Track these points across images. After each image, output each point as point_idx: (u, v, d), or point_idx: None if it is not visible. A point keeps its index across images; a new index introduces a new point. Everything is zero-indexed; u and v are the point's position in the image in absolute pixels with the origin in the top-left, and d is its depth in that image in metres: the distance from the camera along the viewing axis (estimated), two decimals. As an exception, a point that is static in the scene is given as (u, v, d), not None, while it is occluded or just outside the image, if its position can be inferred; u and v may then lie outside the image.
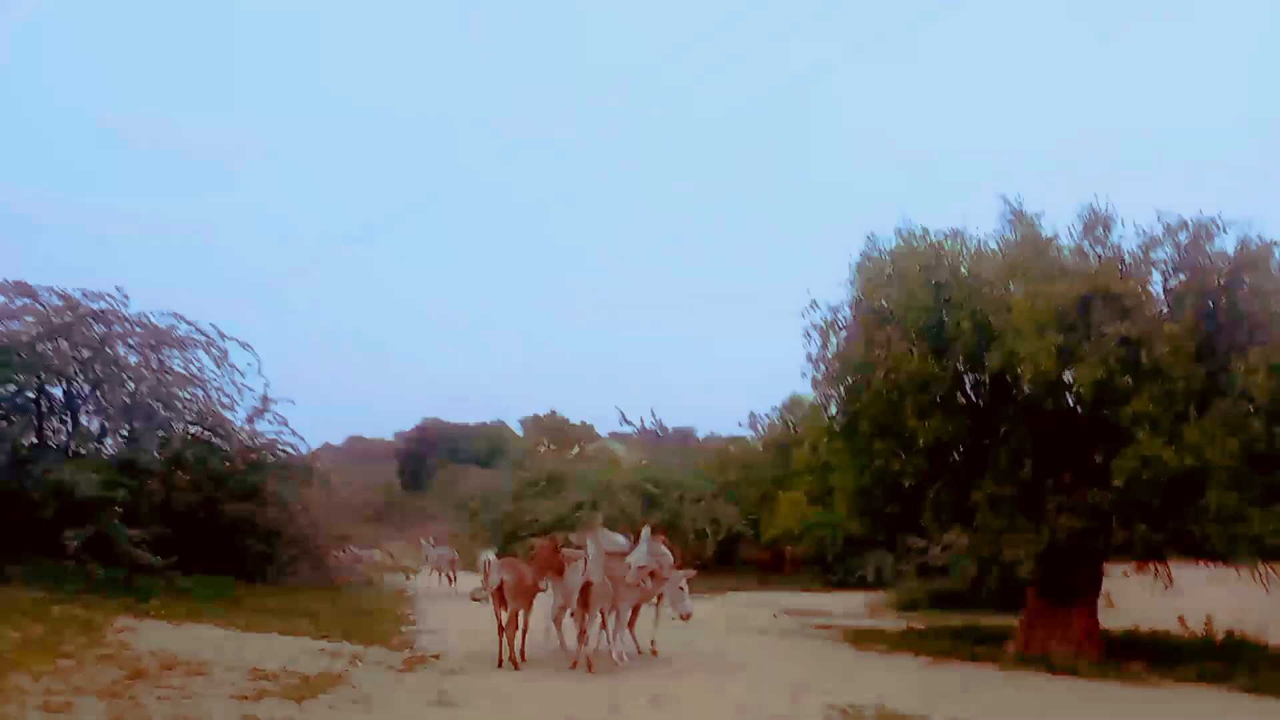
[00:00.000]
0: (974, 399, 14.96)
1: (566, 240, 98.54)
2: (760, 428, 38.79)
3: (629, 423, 44.19)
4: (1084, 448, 13.90)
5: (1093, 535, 13.41)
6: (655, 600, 13.65)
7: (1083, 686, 11.85)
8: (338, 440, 70.31)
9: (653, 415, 47.73)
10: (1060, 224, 14.33)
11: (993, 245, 14.86)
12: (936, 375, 13.95)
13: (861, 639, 15.94)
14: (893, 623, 19.88)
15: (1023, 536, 14.35)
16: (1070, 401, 13.57)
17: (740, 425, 39.94)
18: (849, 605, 23.95)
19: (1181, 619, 16.42)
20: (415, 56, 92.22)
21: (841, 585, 28.95)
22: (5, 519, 14.69)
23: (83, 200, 78.44)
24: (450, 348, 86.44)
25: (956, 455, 14.85)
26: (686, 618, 13.71)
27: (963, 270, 14.64)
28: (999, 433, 14.25)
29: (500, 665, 12.03)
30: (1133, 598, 17.43)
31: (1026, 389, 13.80)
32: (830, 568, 30.17)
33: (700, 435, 46.80)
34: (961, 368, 14.47)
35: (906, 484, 14.60)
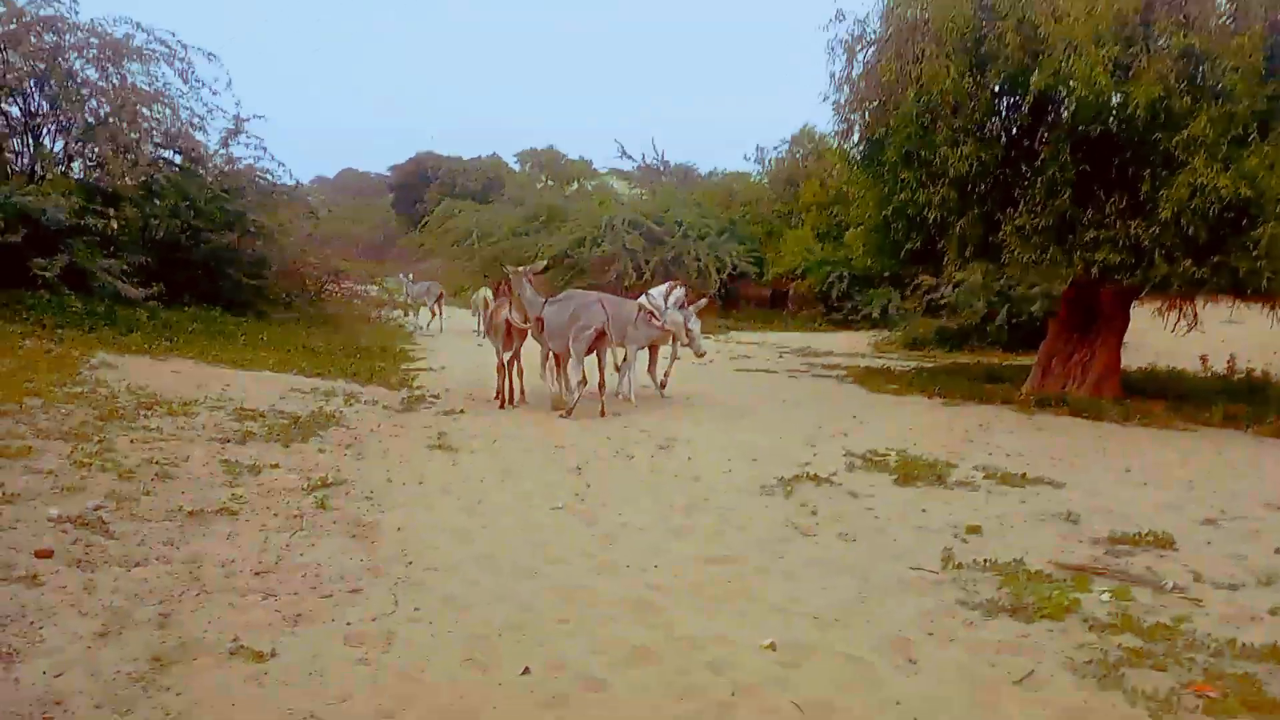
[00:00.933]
0: (1013, 123, 13.73)
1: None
2: (767, 162, 37.36)
3: (629, 157, 42.54)
4: (1130, 178, 12.75)
5: (1130, 269, 12.61)
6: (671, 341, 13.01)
7: (1107, 430, 11.38)
8: (331, 173, 68.88)
9: (654, 149, 46.01)
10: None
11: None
12: (972, 95, 12.68)
13: (871, 379, 15.51)
14: (900, 362, 19.57)
15: (1055, 270, 13.64)
16: (1120, 125, 12.30)
17: (747, 159, 38.40)
18: (854, 344, 23.63)
19: (1204, 359, 15.97)
20: None
21: (846, 324, 28.65)
22: (-30, 248, 13.72)
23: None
24: (447, 79, 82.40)
25: (988, 185, 13.77)
26: (701, 355, 13.49)
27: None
28: (1037, 160, 13.06)
29: (501, 405, 11.61)
30: (1151, 336, 16.88)
31: (1073, 110, 12.56)
32: (835, 306, 29.74)
33: (703, 171, 45.16)
34: (1002, 88, 13.14)
35: (932, 217, 13.56)
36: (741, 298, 33.14)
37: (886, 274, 24.40)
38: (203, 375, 11.32)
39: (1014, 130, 13.68)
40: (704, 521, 6.60)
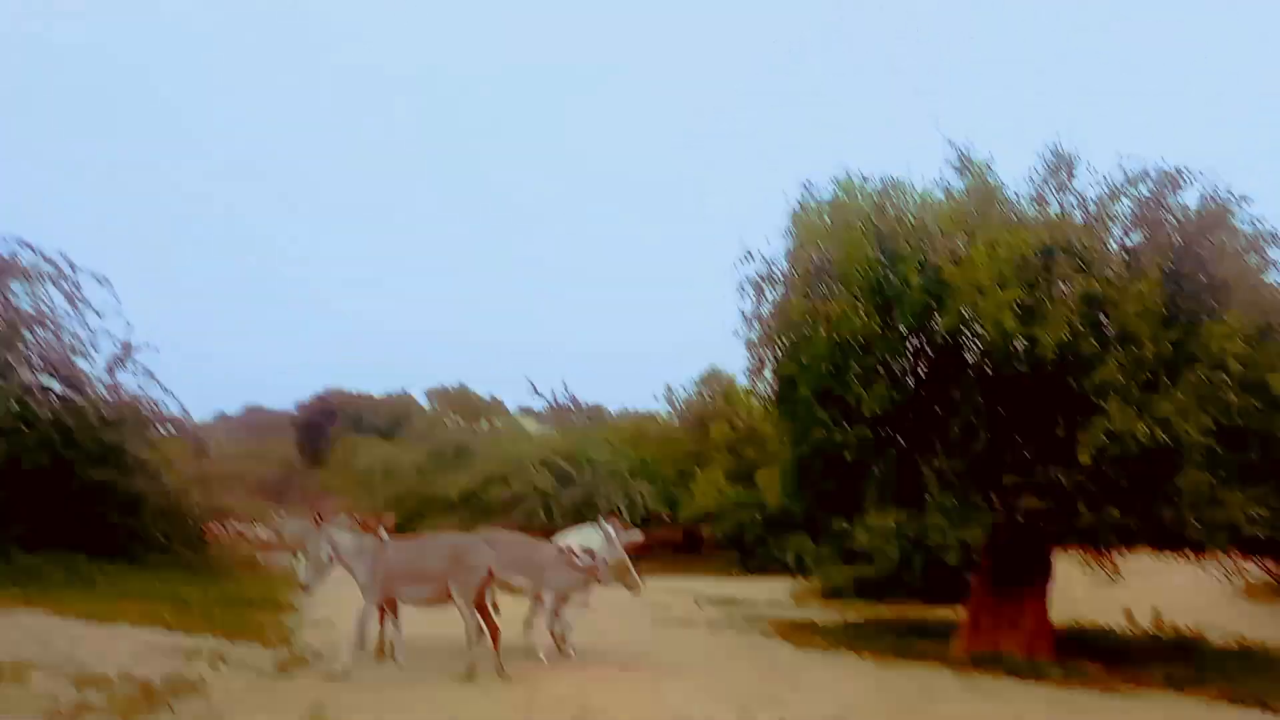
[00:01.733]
0: (922, 364, 13.75)
1: (473, 200, 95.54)
2: (676, 402, 37.55)
3: (539, 395, 42.43)
4: (1045, 420, 12.68)
5: (1053, 517, 12.27)
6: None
7: (1051, 694, 10.65)
8: (235, 409, 67.08)
9: (564, 388, 46.03)
10: (1012, 173, 13.20)
11: (939, 195, 13.64)
12: (881, 336, 12.66)
13: (796, 634, 14.61)
14: (821, 613, 18.69)
15: (978, 516, 13.28)
16: (1030, 368, 12.32)
17: (656, 398, 38.57)
18: (772, 592, 22.72)
19: (1128, 613, 15.57)
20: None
21: (761, 570, 27.78)
22: None
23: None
24: (355, 316, 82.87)
25: (904, 426, 13.57)
26: (637, 591, 12.67)
27: (908, 221, 13.37)
28: (950, 402, 12.96)
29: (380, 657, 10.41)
30: (1070, 585, 16.48)
31: (981, 353, 12.63)
32: (750, 551, 28.95)
33: (613, 410, 45.19)
34: (908, 328, 13.19)
35: (850, 457, 13.21)
36: (654, 541, 32.12)
37: (800, 518, 24.01)
38: (49, 631, 9.91)
39: (924, 371, 13.70)
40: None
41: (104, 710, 7.12)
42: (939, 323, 12.32)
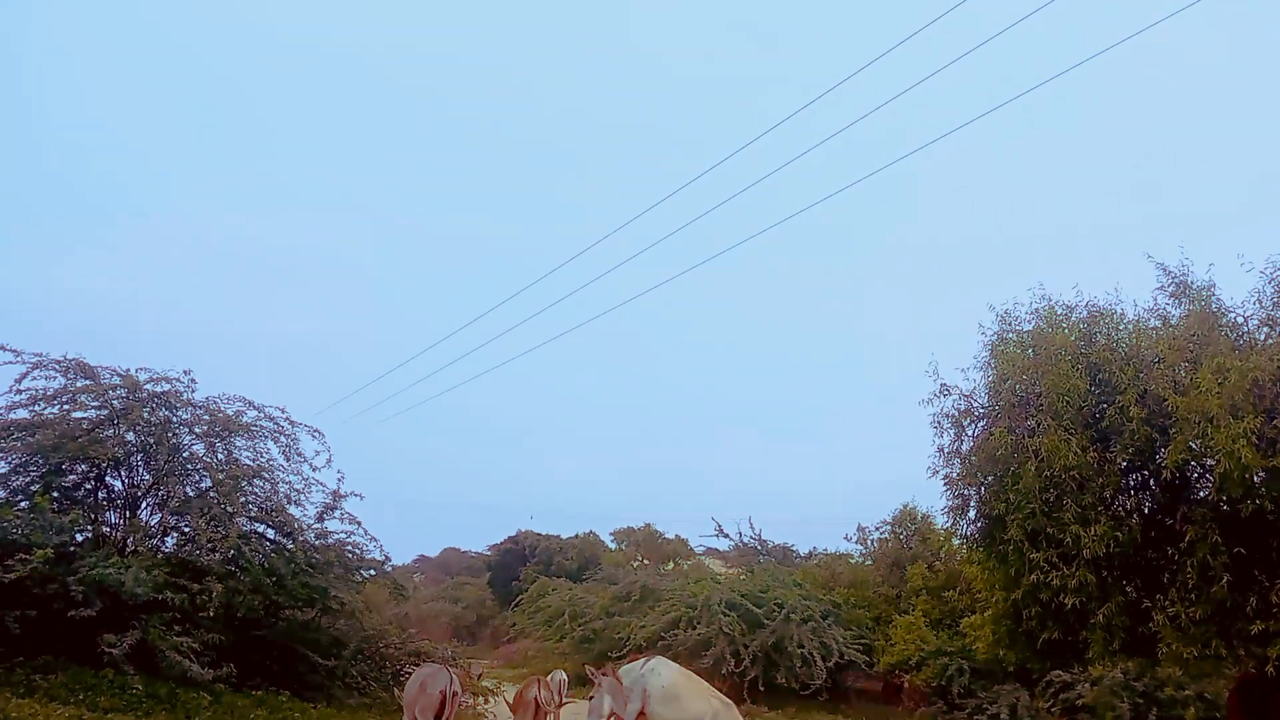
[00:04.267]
0: (1146, 500, 12.62)
1: (656, 343, 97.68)
2: (870, 542, 35.94)
3: (725, 535, 41.50)
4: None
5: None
6: None
7: None
8: (433, 551, 69.59)
9: (751, 527, 45.08)
10: (1235, 294, 12.36)
11: (1154, 322, 12.79)
12: (1098, 471, 11.73)
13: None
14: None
15: (1219, 666, 11.83)
16: (1272, 502, 11.05)
17: (848, 539, 37.05)
18: (984, 749, 20.78)
19: None
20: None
21: (969, 723, 25.61)
22: (46, 621, 13.23)
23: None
24: (548, 462, 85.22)
25: (1129, 568, 12.37)
26: None
27: (1122, 349, 12.56)
28: (1182, 541, 11.72)
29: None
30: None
31: (1217, 487, 11.43)
32: (956, 703, 26.78)
33: (802, 551, 43.73)
34: (1130, 463, 12.18)
35: (1069, 603, 12.07)
36: (851, 689, 30.39)
37: (1013, 667, 22.14)
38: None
39: (1149, 508, 12.57)
40: None
41: None
42: (1163, 457, 11.38)
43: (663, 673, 12.10)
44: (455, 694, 11.28)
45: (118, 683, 12.93)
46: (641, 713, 11.19)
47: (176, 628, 13.87)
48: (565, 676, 15.79)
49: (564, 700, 13.52)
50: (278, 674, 15.67)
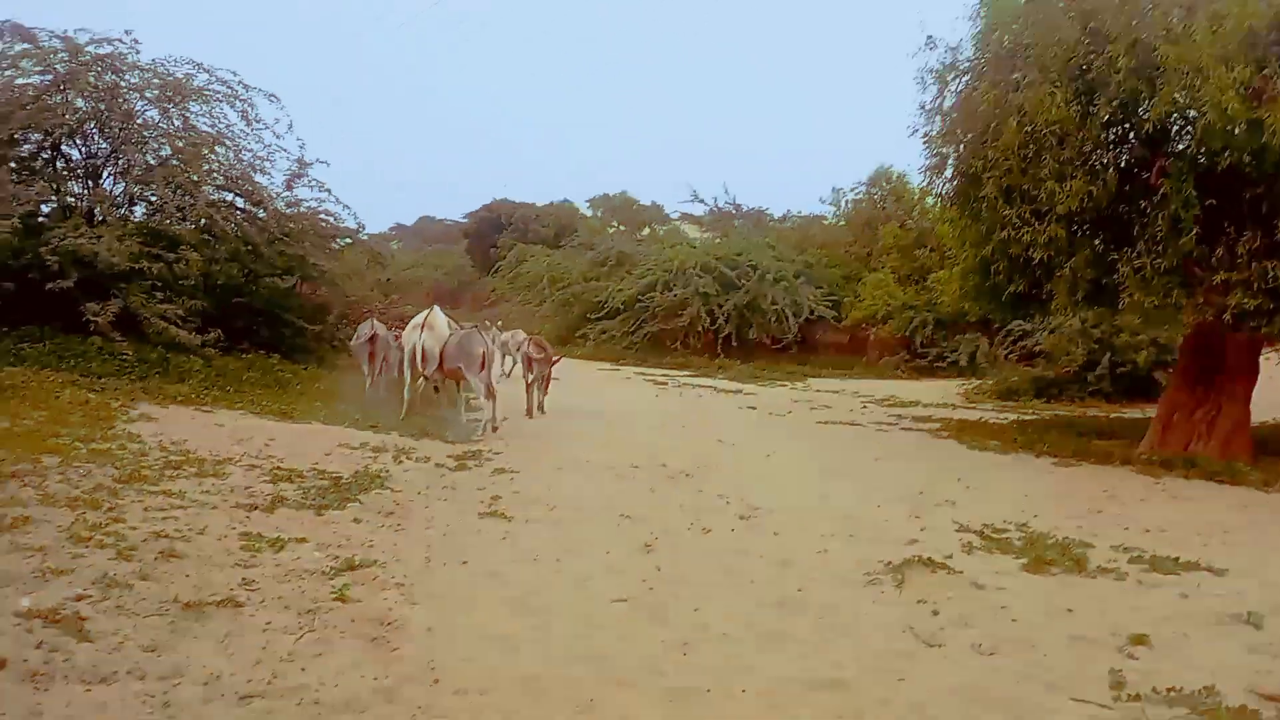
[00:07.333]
0: (1125, 155, 12.49)
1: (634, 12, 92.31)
2: (844, 204, 36.18)
3: (701, 201, 41.61)
4: (1265, 214, 11.37)
5: (1267, 316, 11.20)
6: None
7: (1251, 498, 9.93)
8: (409, 220, 69.52)
9: (726, 193, 45.01)
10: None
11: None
12: (1081, 126, 11.49)
13: (969, 433, 14.16)
14: (996, 414, 18.10)
15: (1177, 316, 12.27)
16: (1252, 157, 10.93)
17: (822, 201, 37.21)
18: (942, 393, 22.14)
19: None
20: None
21: (930, 372, 27.14)
22: (24, 293, 13.28)
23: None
24: (524, 129, 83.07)
25: (1099, 223, 12.48)
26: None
27: (1116, -5, 11.84)
28: (1156, 196, 11.73)
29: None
30: (1269, 387, 15.20)
31: (1198, 140, 11.27)
32: (919, 352, 28.22)
33: (777, 214, 44.00)
34: (1113, 117, 11.88)
35: (1038, 257, 12.29)
36: (819, 343, 31.85)
37: (975, 319, 23.06)
38: (247, 428, 10.54)
39: (1126, 162, 12.46)
40: (800, 624, 5.43)
41: (297, 502, 7.55)
42: (1147, 110, 11.07)
43: (429, 311, 13.96)
44: (376, 335, 14.47)
45: (107, 349, 13.16)
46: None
47: (158, 295, 13.98)
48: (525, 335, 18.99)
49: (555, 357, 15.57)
50: (266, 340, 16.04)
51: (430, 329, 13.26)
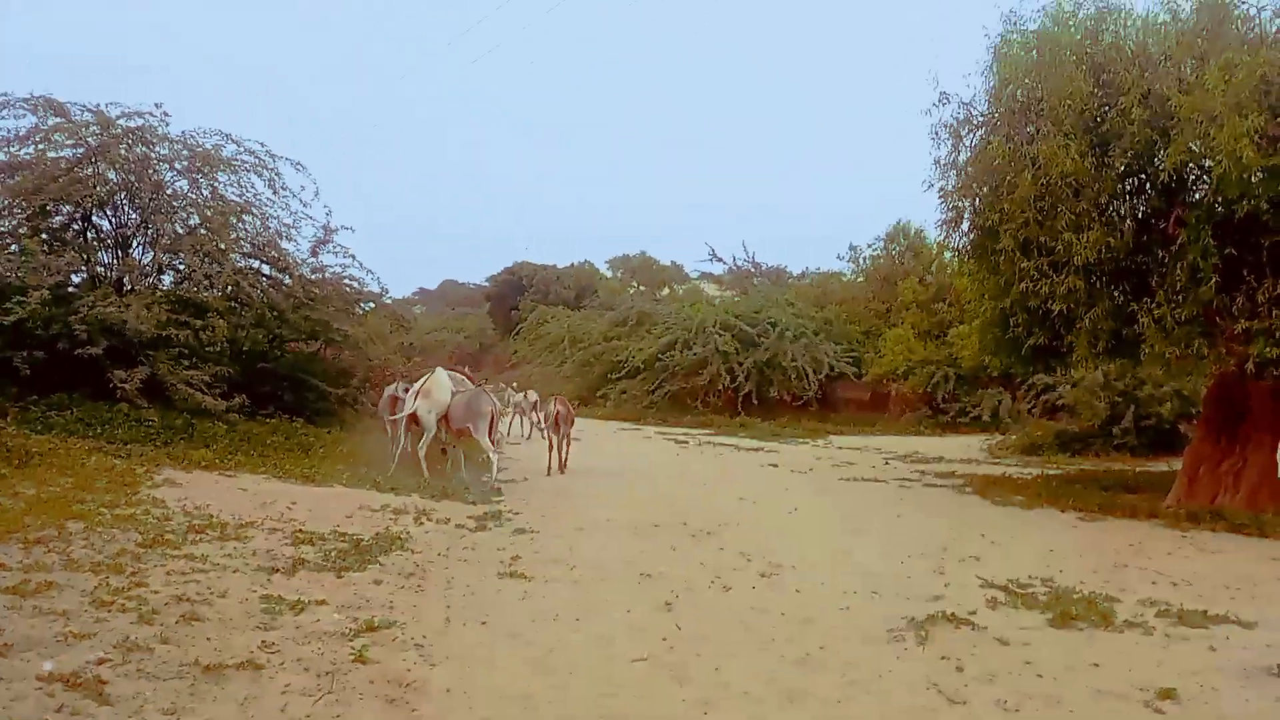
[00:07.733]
0: (1140, 205, 12.57)
1: (654, 72, 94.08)
2: (862, 260, 36.32)
3: (720, 259, 41.95)
4: (1284, 260, 11.40)
5: (1291, 365, 11.16)
6: None
7: (1278, 549, 9.77)
8: (432, 284, 70.40)
9: (745, 251, 45.30)
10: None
11: (1163, 17, 12.16)
12: (1096, 177, 11.58)
13: (993, 489, 14.03)
14: (1020, 469, 17.94)
15: (1201, 366, 12.24)
16: (1269, 204, 10.96)
17: (840, 258, 37.37)
18: (965, 449, 22.00)
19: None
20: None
21: (953, 427, 27.00)
22: (53, 361, 13.49)
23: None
24: (544, 191, 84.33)
25: (1118, 274, 12.50)
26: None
27: (1128, 48, 12.02)
28: (1173, 245, 11.77)
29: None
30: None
31: (1214, 188, 11.33)
32: (940, 408, 28.09)
33: (795, 272, 44.29)
34: (1128, 168, 11.98)
35: (1057, 309, 12.32)
36: (840, 400, 31.77)
37: (997, 373, 23.03)
38: (270, 492, 10.61)
39: (1143, 213, 12.54)
40: (822, 682, 5.37)
41: (318, 564, 7.57)
42: (1162, 160, 11.17)
43: (430, 375, 14.10)
44: (396, 398, 14.40)
45: (133, 416, 13.33)
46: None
47: (185, 362, 14.18)
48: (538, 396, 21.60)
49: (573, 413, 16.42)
50: (290, 404, 16.20)
51: (426, 396, 13.46)
